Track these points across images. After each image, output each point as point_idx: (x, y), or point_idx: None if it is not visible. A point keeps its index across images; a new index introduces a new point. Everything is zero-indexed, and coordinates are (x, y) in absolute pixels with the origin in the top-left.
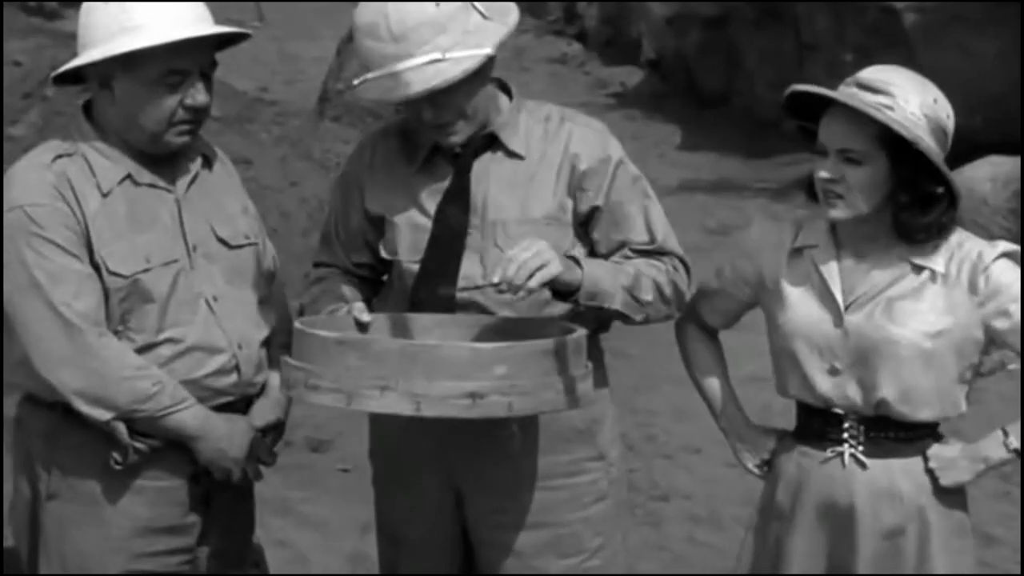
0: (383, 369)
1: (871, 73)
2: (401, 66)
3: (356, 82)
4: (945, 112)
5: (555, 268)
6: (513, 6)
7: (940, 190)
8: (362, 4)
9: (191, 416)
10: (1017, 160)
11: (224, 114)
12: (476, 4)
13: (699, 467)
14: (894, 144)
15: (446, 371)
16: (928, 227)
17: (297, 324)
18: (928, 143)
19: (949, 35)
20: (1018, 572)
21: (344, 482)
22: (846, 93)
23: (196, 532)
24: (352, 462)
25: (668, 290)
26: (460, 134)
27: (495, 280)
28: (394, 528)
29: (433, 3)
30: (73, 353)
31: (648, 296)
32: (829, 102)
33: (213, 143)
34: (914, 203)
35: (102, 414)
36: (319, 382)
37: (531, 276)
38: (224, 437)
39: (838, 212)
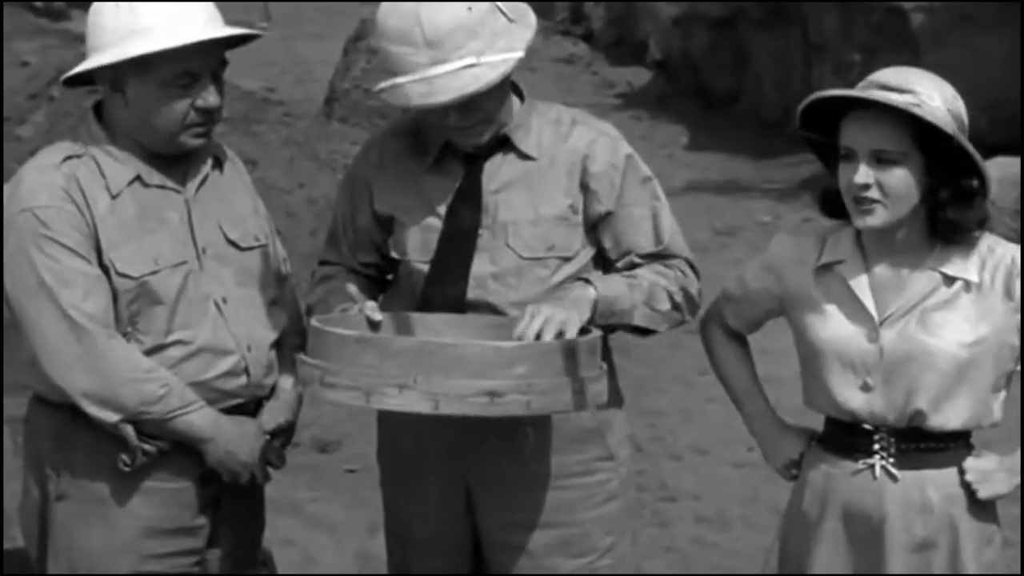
0: (402, 367)
1: (888, 75)
2: (435, 71)
3: (382, 86)
4: (963, 107)
5: (574, 325)
6: (528, 7)
7: (976, 183)
8: (385, 7)
9: (200, 418)
10: None
11: (231, 114)
12: (500, 5)
13: (706, 468)
14: (927, 142)
15: (465, 369)
16: (971, 222)
17: (314, 322)
18: (963, 139)
19: (956, 35)
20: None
21: (352, 482)
22: (874, 94)
23: (205, 534)
24: (360, 462)
25: (679, 297)
26: (483, 136)
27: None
28: (404, 528)
29: (465, 7)
30: (81, 355)
31: (665, 306)
32: (846, 108)
33: (220, 143)
34: (954, 199)
35: (110, 416)
36: (336, 380)
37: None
38: (233, 440)
39: (874, 219)
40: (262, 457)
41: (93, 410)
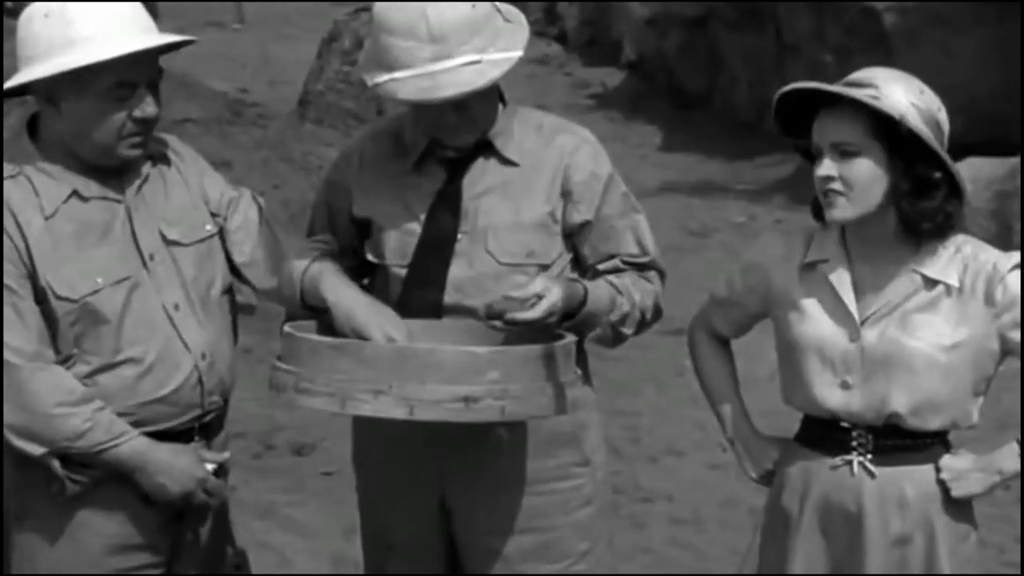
0: (376, 372)
1: (859, 73)
2: (438, 67)
3: (380, 80)
4: (935, 104)
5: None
6: (518, 10)
7: (938, 175)
8: (384, 3)
9: (129, 450)
10: (998, 161)
11: (205, 116)
12: (499, 5)
13: (682, 469)
14: (887, 134)
15: (440, 375)
16: (932, 214)
17: (287, 328)
18: (919, 126)
19: (929, 36)
20: (1008, 572)
21: (327, 485)
22: (830, 87)
23: (169, 546)
24: (335, 465)
25: (650, 314)
26: (473, 136)
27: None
28: (380, 534)
29: (469, 4)
30: (3, 388)
31: (629, 331)
32: (818, 108)
33: (193, 146)
34: (914, 190)
35: (35, 449)
36: (310, 386)
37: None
38: (163, 470)
39: (840, 212)
40: (199, 486)
41: (18, 443)
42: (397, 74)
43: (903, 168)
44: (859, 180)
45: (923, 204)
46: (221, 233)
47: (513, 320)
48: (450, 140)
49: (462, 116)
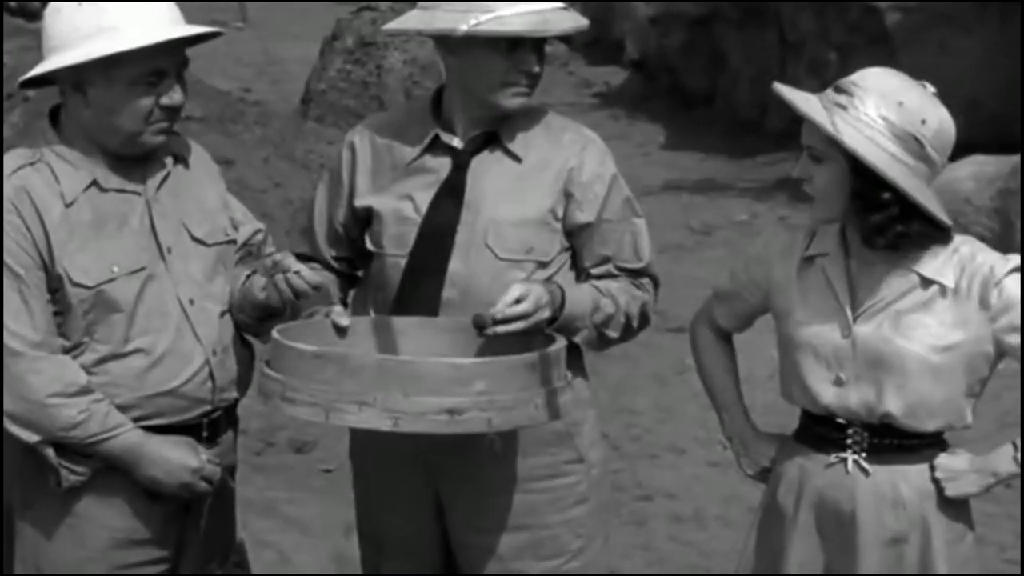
0: (361, 384)
1: (855, 75)
2: (545, 6)
3: (482, 19)
4: (916, 118)
5: (545, 314)
6: None
7: (887, 195)
8: None
9: (123, 443)
10: (1001, 159)
11: (207, 114)
12: None
13: (683, 467)
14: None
15: (424, 387)
16: (881, 230)
17: (274, 334)
18: (885, 147)
19: (931, 34)
20: (1009, 570)
21: (328, 483)
22: (796, 96)
23: (174, 542)
24: (335, 462)
25: (636, 322)
26: (527, 100)
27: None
28: (375, 530)
29: None
30: (5, 374)
31: (613, 334)
32: None
33: (184, 139)
34: (861, 206)
35: (30, 436)
36: (296, 395)
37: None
38: (156, 464)
39: (812, 212)
40: (197, 476)
41: (14, 429)
42: (504, 11)
43: (858, 183)
44: (820, 185)
45: (871, 219)
46: (245, 246)
47: (506, 318)
48: (511, 100)
49: (542, 65)
